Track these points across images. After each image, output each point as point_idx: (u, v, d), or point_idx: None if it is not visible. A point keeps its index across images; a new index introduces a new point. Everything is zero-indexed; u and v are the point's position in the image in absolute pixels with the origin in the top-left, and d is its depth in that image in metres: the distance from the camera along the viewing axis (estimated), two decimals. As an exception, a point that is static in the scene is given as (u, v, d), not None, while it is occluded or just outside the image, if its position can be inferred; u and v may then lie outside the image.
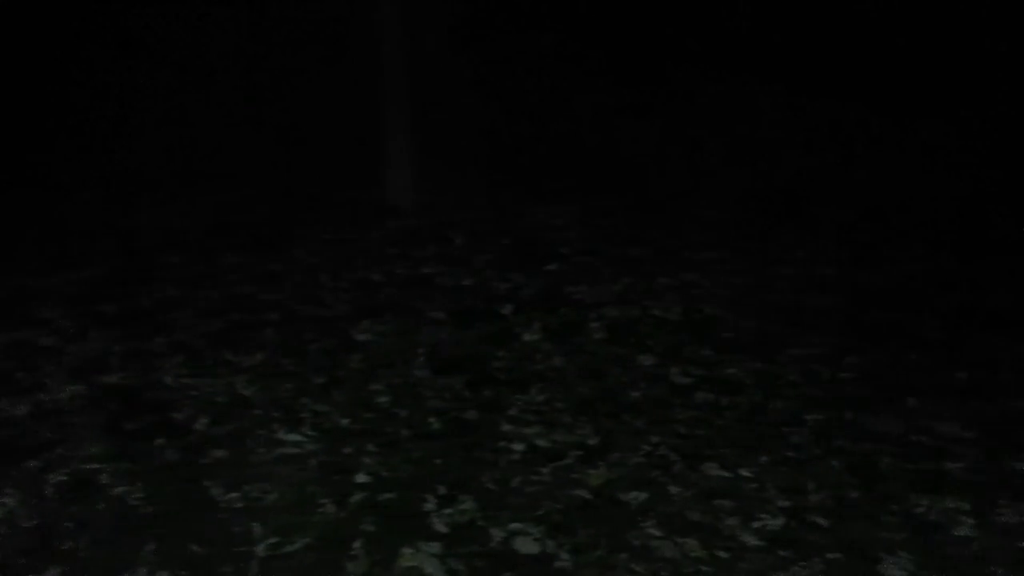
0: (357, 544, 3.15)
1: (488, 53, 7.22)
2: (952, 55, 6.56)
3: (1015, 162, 4.67)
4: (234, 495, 3.37)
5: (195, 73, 7.07)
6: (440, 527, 3.27)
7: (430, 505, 3.36)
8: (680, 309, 4.75)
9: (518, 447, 3.70)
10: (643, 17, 7.42)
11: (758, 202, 5.94)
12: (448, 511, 3.34)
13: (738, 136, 6.77)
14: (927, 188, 5.96)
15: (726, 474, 3.55)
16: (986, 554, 3.16)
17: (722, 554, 3.17)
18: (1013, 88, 5.77)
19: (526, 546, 3.20)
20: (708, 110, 7.02)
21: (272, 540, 3.14)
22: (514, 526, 3.28)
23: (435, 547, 3.16)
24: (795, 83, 6.83)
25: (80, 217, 6.05)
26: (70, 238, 5.73)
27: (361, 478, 3.48)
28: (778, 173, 6.35)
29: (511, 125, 7.01)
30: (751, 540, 3.23)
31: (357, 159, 6.44)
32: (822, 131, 6.73)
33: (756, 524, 3.30)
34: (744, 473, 3.55)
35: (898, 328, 4.52)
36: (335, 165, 6.63)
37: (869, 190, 6.05)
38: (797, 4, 7.08)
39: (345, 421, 3.82)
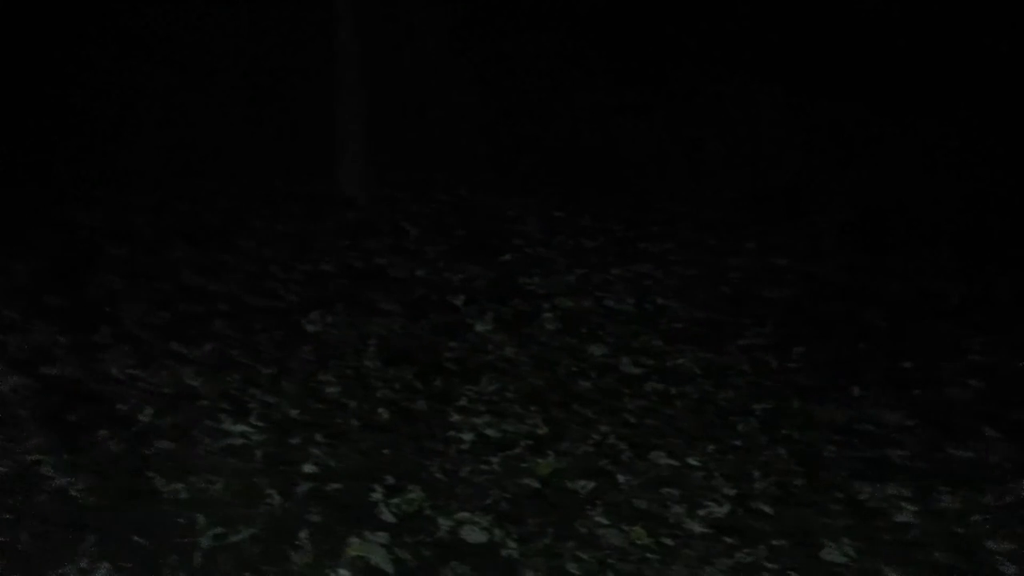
0: (303, 534, 3.13)
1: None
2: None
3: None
4: (178, 486, 3.33)
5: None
6: (387, 517, 3.26)
7: (377, 495, 3.35)
8: (633, 300, 4.77)
9: (467, 437, 3.70)
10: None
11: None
12: (396, 501, 3.33)
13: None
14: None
15: (674, 463, 3.58)
16: (926, 539, 3.21)
17: (668, 541, 3.20)
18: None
19: (473, 535, 3.20)
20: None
21: (216, 531, 3.11)
22: (462, 515, 3.28)
23: (382, 537, 3.15)
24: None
25: (28, 208, 5.94)
26: (15, 229, 5.63)
27: (308, 468, 3.46)
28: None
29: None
30: (697, 527, 3.26)
31: (313, 151, 6.39)
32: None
33: (702, 512, 3.33)
34: (692, 462, 3.58)
35: (846, 318, 4.58)
36: (290, 156, 6.57)
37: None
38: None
39: (294, 412, 3.79)
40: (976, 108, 6.38)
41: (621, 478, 3.49)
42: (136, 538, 3.06)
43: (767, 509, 3.34)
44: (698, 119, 6.97)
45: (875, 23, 6.97)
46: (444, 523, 3.24)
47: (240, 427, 3.66)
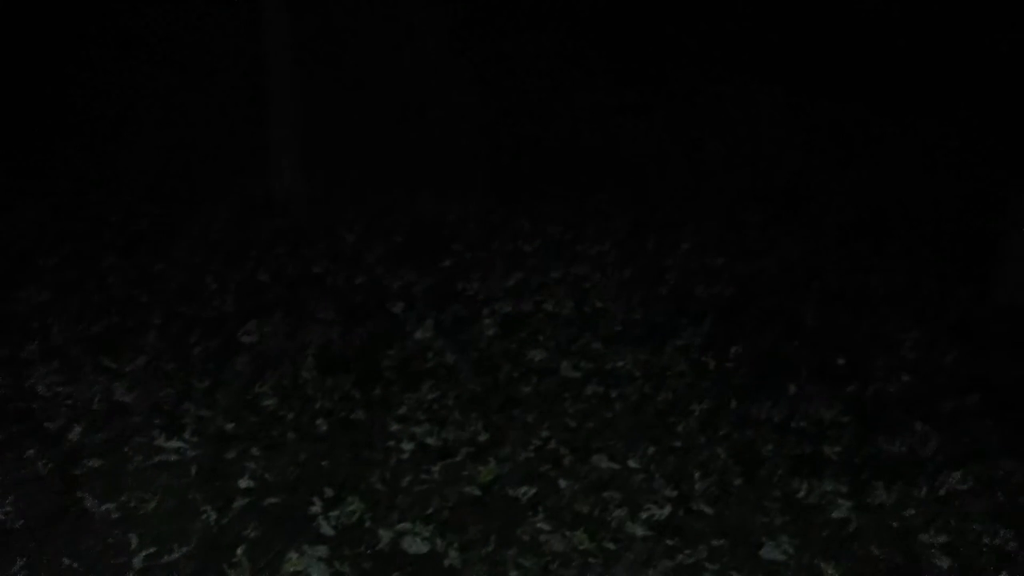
0: (240, 551, 3.07)
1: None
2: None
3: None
4: (110, 505, 3.25)
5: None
6: (327, 529, 3.22)
7: (316, 508, 3.30)
8: (572, 303, 4.78)
9: (407, 446, 3.67)
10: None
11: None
12: (335, 513, 3.29)
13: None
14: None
15: (615, 466, 3.58)
16: (863, 534, 3.26)
17: (610, 545, 3.20)
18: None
19: (415, 545, 3.17)
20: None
21: (150, 550, 3.04)
22: (403, 526, 3.25)
23: (321, 550, 3.11)
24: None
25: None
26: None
27: (244, 483, 3.40)
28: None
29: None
30: (638, 530, 3.27)
31: (247, 156, 6.29)
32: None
33: (643, 514, 3.34)
34: (632, 464, 3.59)
35: (780, 316, 4.63)
36: (224, 162, 6.46)
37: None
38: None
39: (229, 425, 3.72)
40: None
41: (563, 483, 3.49)
42: (66, 560, 2.99)
43: (707, 509, 3.37)
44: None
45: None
46: (385, 534, 3.21)
47: (174, 442, 3.59)
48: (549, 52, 7.38)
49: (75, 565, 2.98)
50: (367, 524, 3.25)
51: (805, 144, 6.75)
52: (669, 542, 3.22)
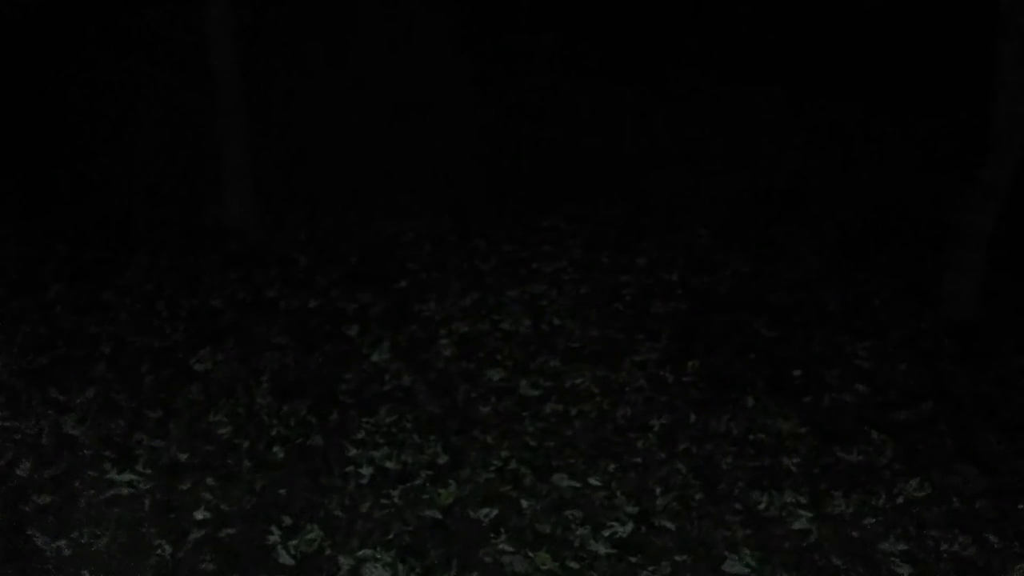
0: (196, 585, 3.01)
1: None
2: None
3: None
4: (61, 542, 3.17)
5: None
6: (286, 559, 3.17)
7: (274, 537, 3.25)
8: (529, 321, 4.77)
9: (366, 471, 3.62)
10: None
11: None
12: (294, 542, 3.24)
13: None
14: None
15: (576, 484, 3.57)
16: (823, 544, 3.28)
17: (573, 565, 3.19)
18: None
19: (376, 572, 3.13)
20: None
21: (103, 588, 2.97)
22: (363, 552, 3.21)
23: (280, 581, 3.05)
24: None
25: None
26: None
27: (200, 515, 3.34)
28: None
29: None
30: (601, 548, 3.26)
31: (197, 178, 6.21)
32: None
33: (606, 532, 3.32)
34: (593, 482, 3.58)
35: (735, 330, 4.66)
36: (176, 183, 6.37)
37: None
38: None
39: (182, 456, 3.65)
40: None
41: (524, 503, 3.47)
42: (15, 602, 2.90)
43: (669, 525, 3.36)
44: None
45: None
46: (345, 561, 3.16)
47: (126, 475, 3.51)
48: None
49: (25, 606, 2.90)
50: (327, 552, 3.21)
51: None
52: (632, 559, 3.21)
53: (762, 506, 3.46)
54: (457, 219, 6.01)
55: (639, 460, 3.71)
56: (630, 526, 3.35)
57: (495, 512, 3.42)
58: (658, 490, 3.53)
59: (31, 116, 6.89)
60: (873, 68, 7.03)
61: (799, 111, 6.87)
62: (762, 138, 6.83)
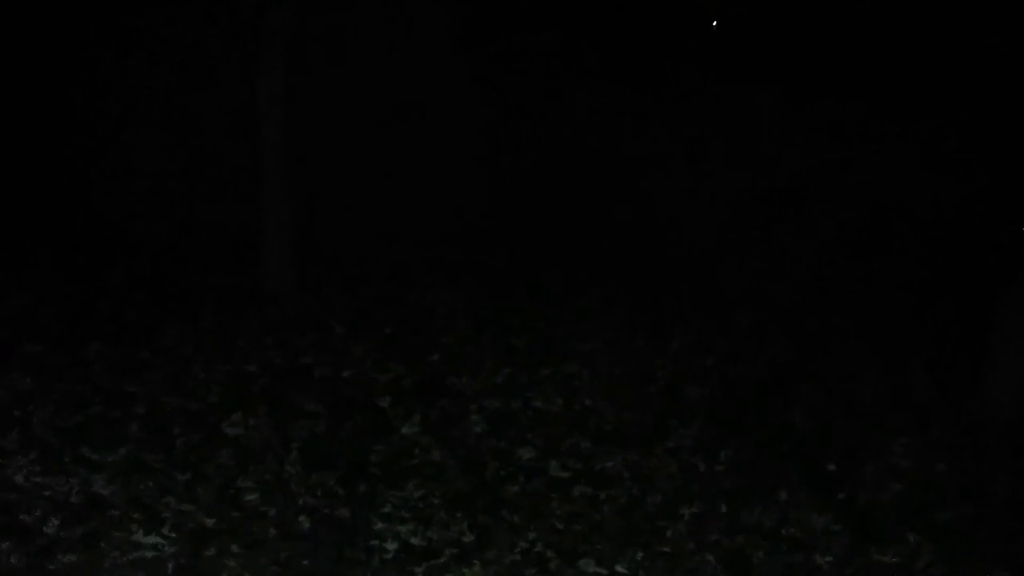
0: (215, 655, 2.97)
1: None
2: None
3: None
4: (84, 603, 3.15)
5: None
6: (306, 634, 3.12)
7: (297, 610, 3.21)
8: (561, 400, 4.74)
9: (391, 546, 3.59)
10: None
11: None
12: (315, 616, 3.20)
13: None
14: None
15: (602, 571, 3.51)
16: (856, 648, 3.19)
17: (597, 655, 3.12)
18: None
19: (396, 652, 3.08)
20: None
21: (122, 653, 2.94)
22: (384, 631, 3.16)
23: (300, 656, 3.01)
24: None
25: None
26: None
27: (223, 582, 3.31)
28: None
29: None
30: (626, 639, 3.19)
31: (235, 241, 6.29)
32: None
33: (632, 622, 3.26)
34: (620, 569, 3.52)
35: (770, 419, 4.60)
36: (212, 248, 6.45)
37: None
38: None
39: (209, 521, 3.64)
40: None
41: (549, 587, 3.41)
42: (34, 662, 2.88)
43: (697, 619, 3.29)
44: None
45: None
46: (366, 639, 3.12)
47: (152, 538, 3.50)
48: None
49: (43, 667, 2.88)
50: (348, 628, 3.16)
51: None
52: (658, 653, 3.13)
53: (793, 604, 3.37)
54: (492, 293, 6.03)
55: (668, 549, 3.64)
56: (657, 618, 3.28)
57: (519, 595, 3.37)
58: (687, 581, 3.46)
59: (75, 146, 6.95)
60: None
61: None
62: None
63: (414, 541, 3.62)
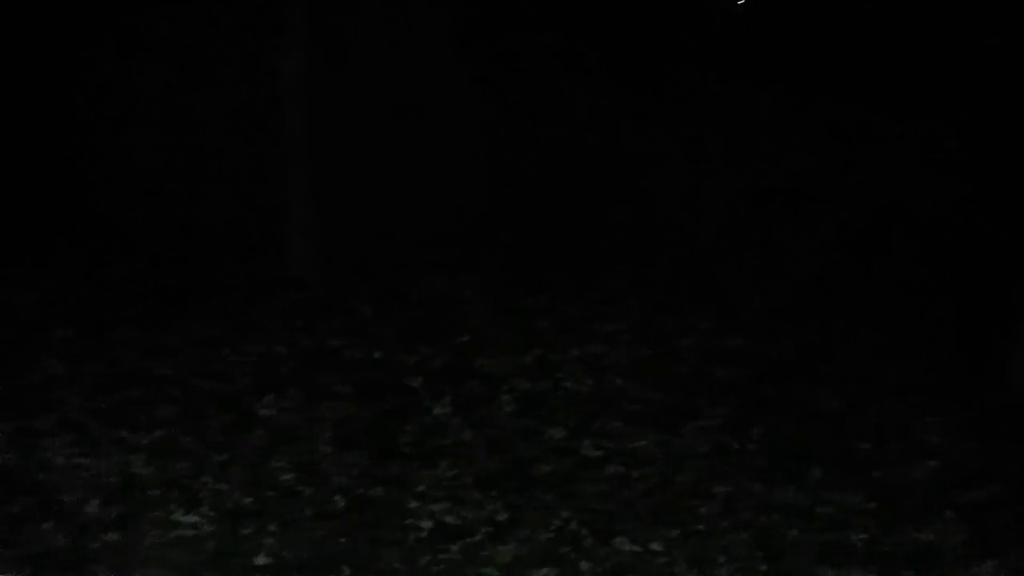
0: (256, 631, 3.01)
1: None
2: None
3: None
4: (125, 581, 3.19)
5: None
6: (345, 610, 3.16)
7: (334, 587, 3.25)
8: (591, 381, 4.75)
9: (425, 524, 3.61)
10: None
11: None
12: (353, 594, 3.23)
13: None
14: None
15: (636, 548, 3.52)
16: (892, 625, 3.19)
17: (634, 631, 3.13)
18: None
19: (434, 628, 3.11)
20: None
21: (164, 629, 2.98)
22: (422, 608, 3.19)
23: (339, 632, 3.04)
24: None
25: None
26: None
27: (261, 560, 3.35)
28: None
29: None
30: (663, 615, 3.20)
31: (258, 226, 6.31)
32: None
33: (668, 599, 3.27)
34: (654, 547, 3.53)
35: (800, 398, 4.60)
36: (240, 231, 6.47)
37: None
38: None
39: (246, 500, 3.67)
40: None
41: (583, 565, 3.43)
42: (80, 638, 2.92)
43: (732, 596, 3.30)
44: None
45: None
46: (404, 616, 3.15)
47: (190, 517, 3.54)
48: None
49: (88, 643, 2.92)
50: (386, 605, 3.19)
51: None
52: (694, 629, 3.15)
53: (828, 581, 3.38)
54: (517, 275, 6.02)
55: (701, 527, 3.65)
56: (692, 594, 3.29)
57: (554, 573, 3.39)
58: (721, 559, 3.47)
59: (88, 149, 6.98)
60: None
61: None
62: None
63: (448, 520, 3.64)
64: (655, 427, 4.30)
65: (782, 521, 3.68)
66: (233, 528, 3.52)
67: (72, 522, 3.46)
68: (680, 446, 4.17)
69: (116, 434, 4.06)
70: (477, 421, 4.34)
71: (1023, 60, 5.78)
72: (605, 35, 7.46)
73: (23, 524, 3.40)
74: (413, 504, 3.73)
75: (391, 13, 6.92)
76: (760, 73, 6.99)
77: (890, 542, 3.57)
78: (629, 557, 3.48)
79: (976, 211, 5.80)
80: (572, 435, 4.24)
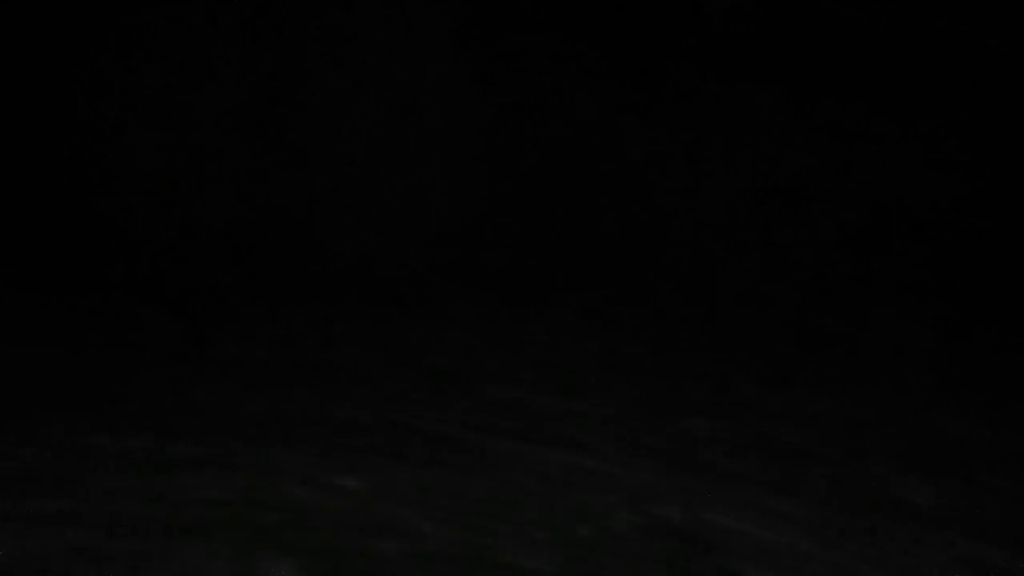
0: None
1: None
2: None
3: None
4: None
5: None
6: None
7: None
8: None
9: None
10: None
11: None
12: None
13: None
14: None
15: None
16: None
17: None
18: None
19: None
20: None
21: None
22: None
23: None
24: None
25: None
26: None
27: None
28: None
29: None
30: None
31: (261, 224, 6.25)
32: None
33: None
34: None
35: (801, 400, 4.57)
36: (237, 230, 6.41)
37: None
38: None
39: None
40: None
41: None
42: None
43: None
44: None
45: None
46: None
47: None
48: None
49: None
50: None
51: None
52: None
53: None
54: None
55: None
56: None
57: None
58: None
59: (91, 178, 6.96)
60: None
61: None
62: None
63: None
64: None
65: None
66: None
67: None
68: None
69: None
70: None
71: (1023, 60, 5.78)
72: (605, 35, 7.47)
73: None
74: None
75: (391, 13, 6.93)
76: (760, 73, 7.00)
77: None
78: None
79: (976, 211, 5.81)
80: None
